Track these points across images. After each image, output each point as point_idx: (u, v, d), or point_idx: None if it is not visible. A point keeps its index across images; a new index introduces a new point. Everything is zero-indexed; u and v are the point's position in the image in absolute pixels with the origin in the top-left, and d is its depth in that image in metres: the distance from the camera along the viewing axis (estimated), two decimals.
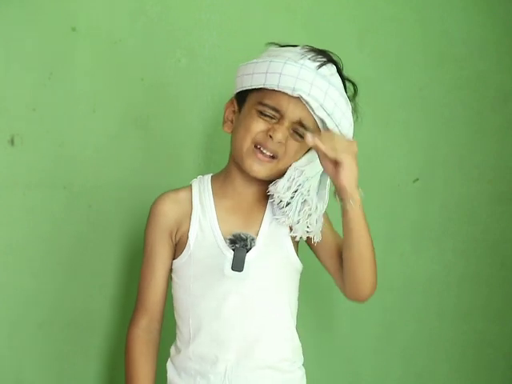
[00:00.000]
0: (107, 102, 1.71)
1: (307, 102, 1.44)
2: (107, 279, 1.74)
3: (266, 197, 1.53)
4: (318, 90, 1.44)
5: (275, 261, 1.50)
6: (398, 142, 2.00)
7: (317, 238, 1.50)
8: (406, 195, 2.01)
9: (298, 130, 1.47)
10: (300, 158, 1.50)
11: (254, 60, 1.48)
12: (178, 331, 1.53)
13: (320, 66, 1.45)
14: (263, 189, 1.52)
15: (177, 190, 1.55)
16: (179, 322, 1.52)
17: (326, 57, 1.47)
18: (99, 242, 1.73)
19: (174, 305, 1.54)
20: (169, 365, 1.53)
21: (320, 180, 1.51)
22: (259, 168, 1.47)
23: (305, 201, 1.48)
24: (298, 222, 1.48)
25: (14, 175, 1.64)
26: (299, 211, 1.48)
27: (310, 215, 1.48)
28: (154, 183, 1.76)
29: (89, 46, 1.69)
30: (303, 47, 1.48)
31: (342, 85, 1.50)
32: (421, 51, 2.01)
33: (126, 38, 1.73)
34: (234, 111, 1.53)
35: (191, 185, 1.55)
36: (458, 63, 2.04)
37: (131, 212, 1.75)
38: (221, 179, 1.55)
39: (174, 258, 1.53)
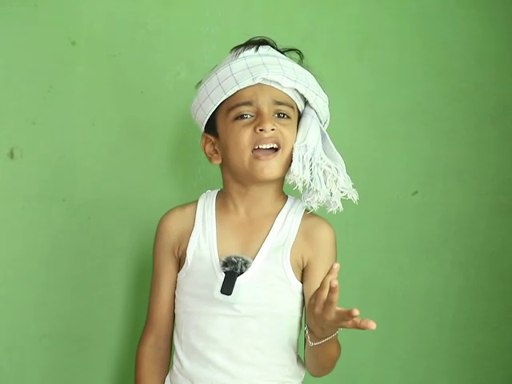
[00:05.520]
0: (107, 114, 1.72)
1: (271, 81, 1.44)
2: (107, 291, 1.74)
3: (271, 214, 1.49)
4: (273, 66, 1.45)
5: (272, 285, 1.44)
6: (397, 154, 1.99)
7: (356, 197, 1.45)
8: (405, 207, 2.00)
9: (281, 110, 1.45)
10: (296, 137, 1.46)
11: (201, 87, 1.49)
12: (174, 347, 1.52)
13: (257, 49, 1.47)
14: (266, 205, 1.50)
15: (184, 205, 1.55)
16: (175, 338, 1.51)
17: (255, 42, 1.49)
18: (99, 254, 1.73)
19: (175, 320, 1.53)
20: (167, 380, 1.52)
21: (322, 145, 1.48)
22: (269, 167, 1.43)
23: (324, 171, 1.44)
24: (332, 194, 1.44)
25: (14, 188, 1.65)
26: (325, 182, 1.43)
27: (336, 180, 1.44)
28: (153, 195, 1.77)
29: (88, 60, 1.70)
30: (231, 50, 1.50)
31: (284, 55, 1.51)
32: (420, 63, 2.01)
33: (126, 51, 1.73)
34: (212, 143, 1.51)
35: (198, 200, 1.54)
36: (457, 75, 2.04)
37: (131, 224, 1.76)
38: (223, 196, 1.53)
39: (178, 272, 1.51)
